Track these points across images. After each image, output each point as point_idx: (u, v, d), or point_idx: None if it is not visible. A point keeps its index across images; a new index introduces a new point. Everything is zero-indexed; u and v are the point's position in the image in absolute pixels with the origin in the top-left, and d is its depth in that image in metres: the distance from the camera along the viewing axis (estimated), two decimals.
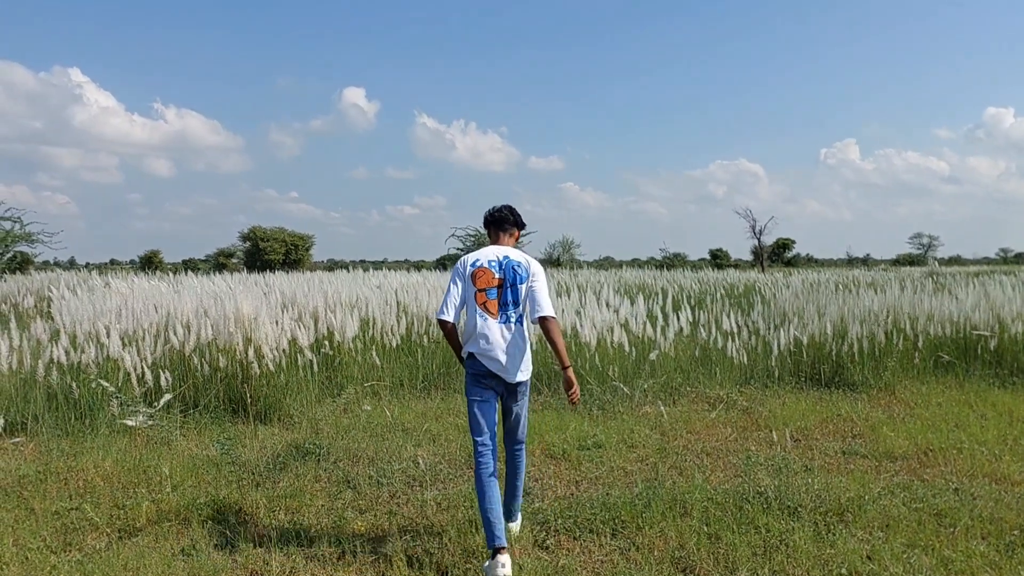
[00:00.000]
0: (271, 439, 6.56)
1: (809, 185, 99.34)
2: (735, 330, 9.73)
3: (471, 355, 4.20)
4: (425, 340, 9.28)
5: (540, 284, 4.28)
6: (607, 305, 9.69)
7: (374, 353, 8.47)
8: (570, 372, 4.21)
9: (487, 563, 3.82)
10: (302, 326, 8.13)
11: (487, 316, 4.18)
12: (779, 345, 9.25)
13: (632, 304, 9.72)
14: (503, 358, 4.12)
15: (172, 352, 7.58)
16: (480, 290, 4.22)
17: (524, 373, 4.23)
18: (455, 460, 5.93)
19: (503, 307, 4.21)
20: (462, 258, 4.38)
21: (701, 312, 10.33)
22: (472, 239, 41.07)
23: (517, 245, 4.62)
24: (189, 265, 53.42)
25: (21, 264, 34.22)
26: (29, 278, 21.83)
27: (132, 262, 54.43)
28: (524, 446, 4.49)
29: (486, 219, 4.59)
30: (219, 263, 50.05)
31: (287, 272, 24.40)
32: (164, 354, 7.49)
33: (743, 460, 5.99)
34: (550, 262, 44.78)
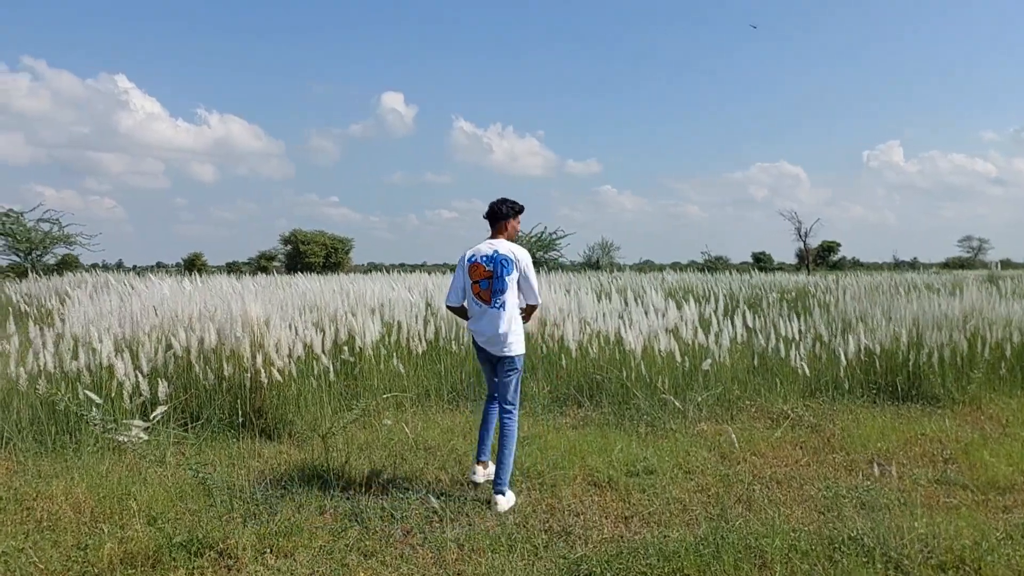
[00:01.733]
0: (276, 459, 5.80)
1: (852, 188, 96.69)
2: (796, 337, 8.76)
3: (472, 331, 5.15)
4: (453, 345, 8.46)
5: (531, 274, 5.07)
6: (653, 309, 8.76)
7: (396, 360, 7.66)
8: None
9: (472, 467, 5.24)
10: (319, 330, 7.38)
11: (481, 303, 5.01)
12: (848, 354, 8.26)
13: (680, 308, 8.79)
14: (491, 337, 4.97)
15: (176, 359, 6.86)
16: (475, 282, 5.04)
17: (509, 350, 4.97)
18: (482, 487, 5.10)
19: (494, 295, 4.97)
20: (464, 252, 5.18)
21: (756, 317, 9.35)
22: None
23: (520, 235, 5.08)
24: (232, 268, 53.54)
25: (59, 266, 34.24)
26: (61, 279, 21.54)
27: (177, 265, 54.64)
28: (512, 413, 5.05)
29: (485, 215, 5.25)
30: (261, 266, 50.12)
31: (321, 274, 23.79)
32: (165, 361, 6.77)
33: (822, 491, 5.10)
34: (589, 265, 43.80)
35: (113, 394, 6.16)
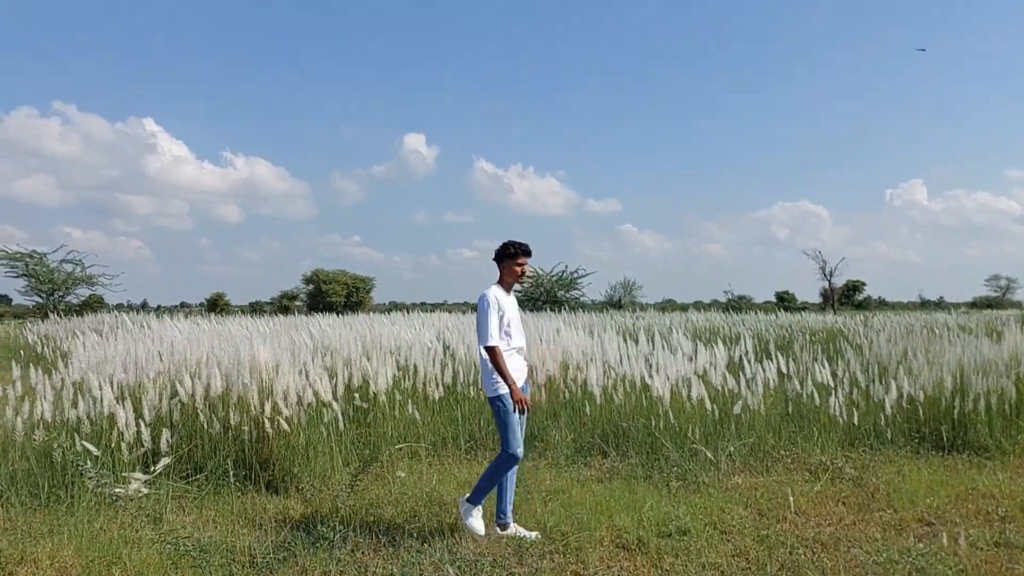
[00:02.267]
0: (282, 515, 5.43)
1: (875, 227, 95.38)
2: (831, 382, 8.28)
3: None
4: (472, 391, 8.09)
5: (480, 315, 4.98)
6: (681, 352, 8.34)
7: (411, 407, 7.29)
8: (515, 390, 4.87)
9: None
10: (331, 375, 7.06)
11: None
12: (891, 401, 7.77)
13: (708, 351, 8.35)
14: None
15: (181, 406, 6.54)
16: None
17: (487, 391, 5.05)
18: (501, 549, 4.70)
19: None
20: None
21: (790, 360, 8.89)
22: (528, 280, 39.96)
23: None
24: (255, 307, 53.66)
25: (82, 307, 34.29)
26: (81, 320, 21.50)
27: (201, 304, 54.93)
28: (501, 453, 4.96)
29: None
30: (283, 305, 50.15)
31: (341, 314, 23.58)
32: (170, 409, 6.45)
33: (873, 556, 4.65)
34: (611, 304, 43.36)
35: (113, 444, 5.85)
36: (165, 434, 5.82)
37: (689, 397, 7.41)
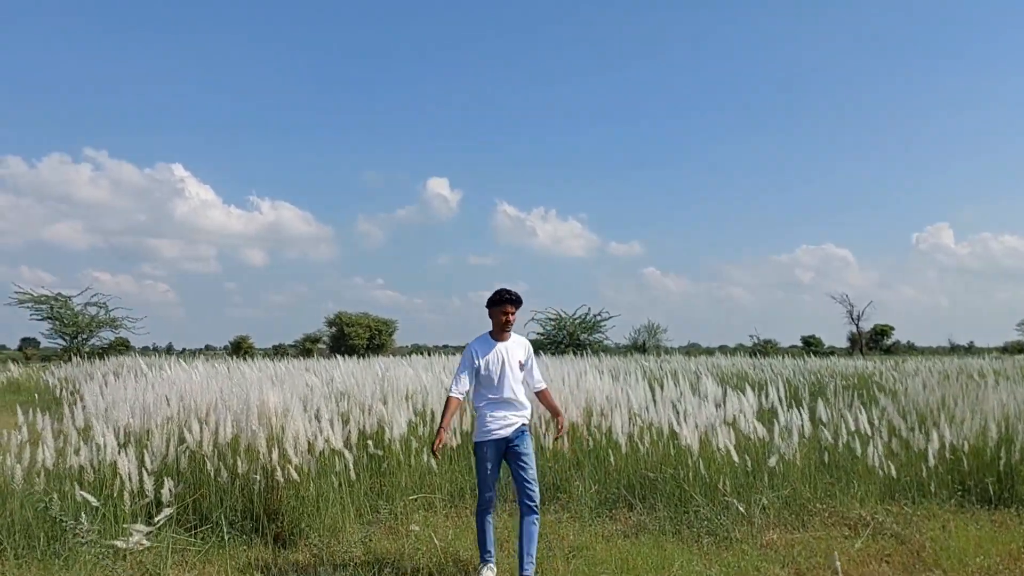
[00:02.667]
0: (289, 570, 5.13)
1: (902, 270, 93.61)
2: (867, 430, 7.85)
3: None
4: None
5: None
6: (711, 399, 7.97)
7: (427, 455, 6.98)
8: (439, 435, 4.86)
9: None
10: (344, 421, 6.79)
11: None
12: (934, 451, 7.34)
13: (738, 397, 7.95)
14: None
15: (189, 453, 6.29)
16: None
17: None
18: None
19: None
20: None
21: (825, 407, 8.47)
22: (552, 323, 39.78)
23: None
24: (278, 350, 53.69)
25: (106, 350, 34.40)
26: (103, 363, 21.45)
27: (225, 348, 55.12)
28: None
29: None
30: (306, 348, 50.09)
31: (363, 357, 23.36)
32: (177, 456, 6.20)
33: None
34: (635, 348, 42.87)
35: (115, 493, 5.59)
36: (167, 483, 5.56)
37: (720, 447, 7.03)
